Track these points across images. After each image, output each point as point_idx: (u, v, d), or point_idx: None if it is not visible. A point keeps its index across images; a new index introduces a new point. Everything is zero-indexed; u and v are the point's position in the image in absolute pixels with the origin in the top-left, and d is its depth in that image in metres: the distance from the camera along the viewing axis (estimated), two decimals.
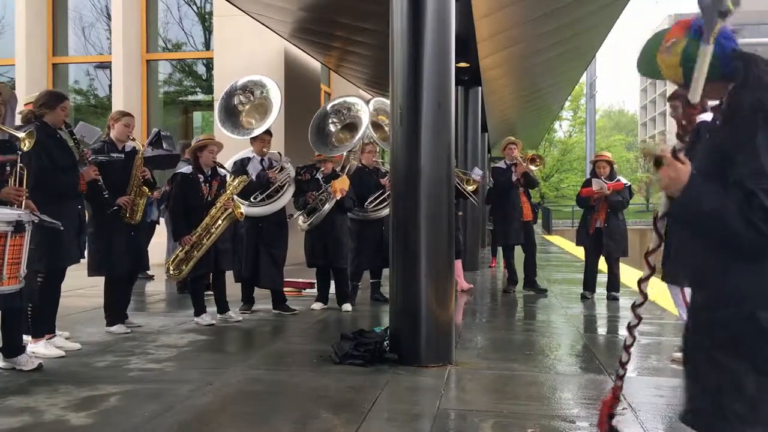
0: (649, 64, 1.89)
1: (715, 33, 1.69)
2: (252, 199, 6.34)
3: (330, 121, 7.41)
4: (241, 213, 5.86)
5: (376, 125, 7.76)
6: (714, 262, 1.73)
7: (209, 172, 5.92)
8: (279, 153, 6.85)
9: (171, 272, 5.84)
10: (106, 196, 4.99)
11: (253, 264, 6.31)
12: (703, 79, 1.71)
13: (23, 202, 3.92)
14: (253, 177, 6.32)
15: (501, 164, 8.52)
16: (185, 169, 5.95)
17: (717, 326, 1.72)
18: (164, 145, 8.18)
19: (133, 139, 5.50)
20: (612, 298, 7.60)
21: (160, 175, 10.49)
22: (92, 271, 5.33)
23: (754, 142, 1.63)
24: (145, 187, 5.40)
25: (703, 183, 1.66)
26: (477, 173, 9.00)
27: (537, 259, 8.51)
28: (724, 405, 1.68)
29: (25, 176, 4.03)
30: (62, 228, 4.23)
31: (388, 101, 8.25)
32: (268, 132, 6.50)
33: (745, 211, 1.58)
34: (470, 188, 8.34)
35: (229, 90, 6.92)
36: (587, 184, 7.80)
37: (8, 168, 4.01)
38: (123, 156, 5.29)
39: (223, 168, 6.13)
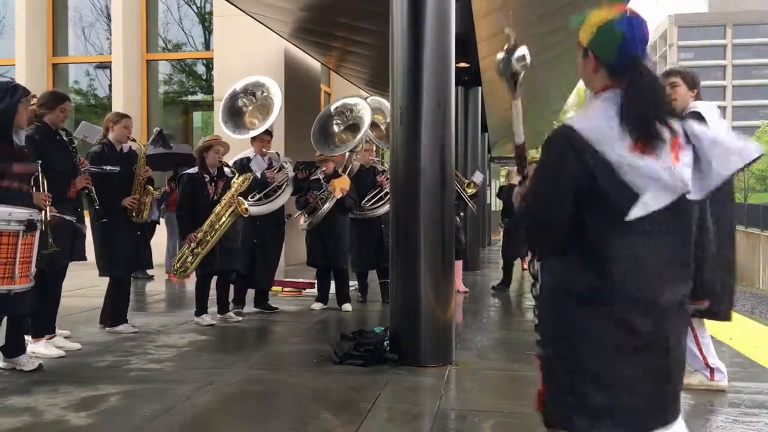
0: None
1: (517, 93, 1.99)
2: (250, 198, 6.34)
3: (333, 122, 7.42)
4: (246, 209, 5.87)
5: (372, 124, 7.73)
6: None
7: (215, 173, 5.94)
8: (277, 153, 6.85)
9: (177, 271, 5.84)
10: (97, 207, 4.93)
11: (248, 264, 6.30)
12: (521, 127, 2.01)
13: (47, 209, 3.95)
14: (258, 174, 6.32)
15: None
16: (191, 169, 5.97)
17: None
18: (167, 143, 8.24)
19: (134, 140, 5.48)
20: None
21: (160, 175, 10.52)
22: (103, 271, 5.34)
23: None
24: (149, 186, 5.43)
25: None
26: (478, 177, 8.99)
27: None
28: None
29: (45, 183, 4.06)
30: (84, 232, 4.27)
31: (383, 100, 8.27)
32: (268, 132, 6.51)
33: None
34: (470, 191, 8.33)
35: (231, 93, 6.96)
36: None
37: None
38: (117, 169, 5.24)
39: (229, 168, 6.13)
